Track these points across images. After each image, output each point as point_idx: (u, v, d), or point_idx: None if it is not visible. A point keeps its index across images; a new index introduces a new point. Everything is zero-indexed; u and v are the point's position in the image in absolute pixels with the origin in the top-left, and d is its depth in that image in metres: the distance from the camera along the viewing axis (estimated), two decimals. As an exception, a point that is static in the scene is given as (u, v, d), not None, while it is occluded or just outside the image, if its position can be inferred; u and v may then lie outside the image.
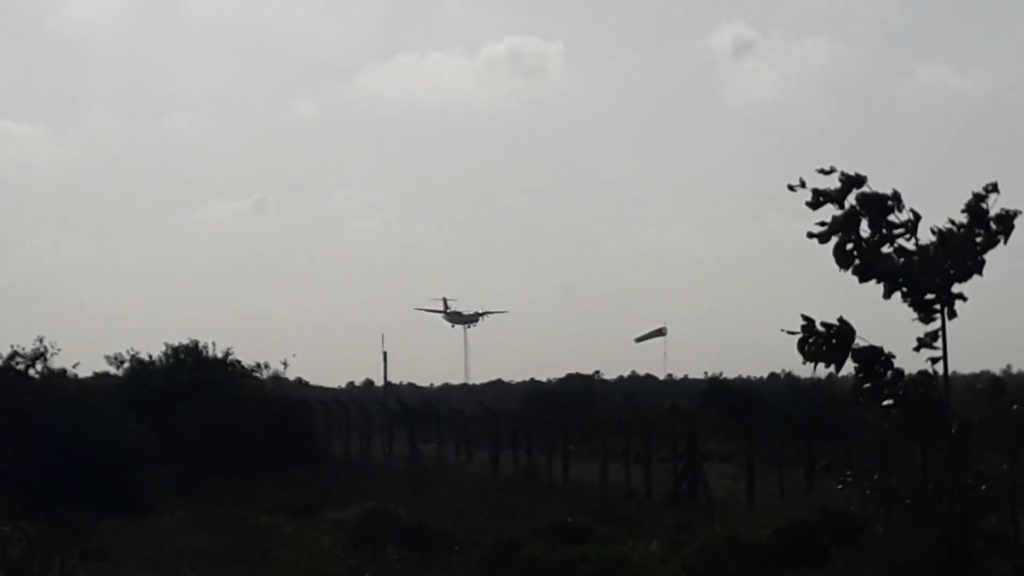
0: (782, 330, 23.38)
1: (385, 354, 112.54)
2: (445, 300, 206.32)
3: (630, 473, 45.87)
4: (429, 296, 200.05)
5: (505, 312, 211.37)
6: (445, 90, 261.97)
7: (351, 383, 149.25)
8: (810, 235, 22.85)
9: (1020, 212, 22.69)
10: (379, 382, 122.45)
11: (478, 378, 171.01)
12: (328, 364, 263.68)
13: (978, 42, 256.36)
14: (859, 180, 22.54)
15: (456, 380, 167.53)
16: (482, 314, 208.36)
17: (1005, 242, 22.61)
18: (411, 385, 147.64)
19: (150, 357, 61.73)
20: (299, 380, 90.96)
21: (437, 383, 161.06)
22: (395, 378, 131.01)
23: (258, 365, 62.95)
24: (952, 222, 22.95)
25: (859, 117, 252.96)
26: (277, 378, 65.95)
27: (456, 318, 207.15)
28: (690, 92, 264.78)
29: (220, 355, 61.63)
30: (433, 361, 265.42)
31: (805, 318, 22.93)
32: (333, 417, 70.03)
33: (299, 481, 46.99)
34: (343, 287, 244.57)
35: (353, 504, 37.23)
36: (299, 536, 33.11)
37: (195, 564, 29.33)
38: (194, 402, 54.56)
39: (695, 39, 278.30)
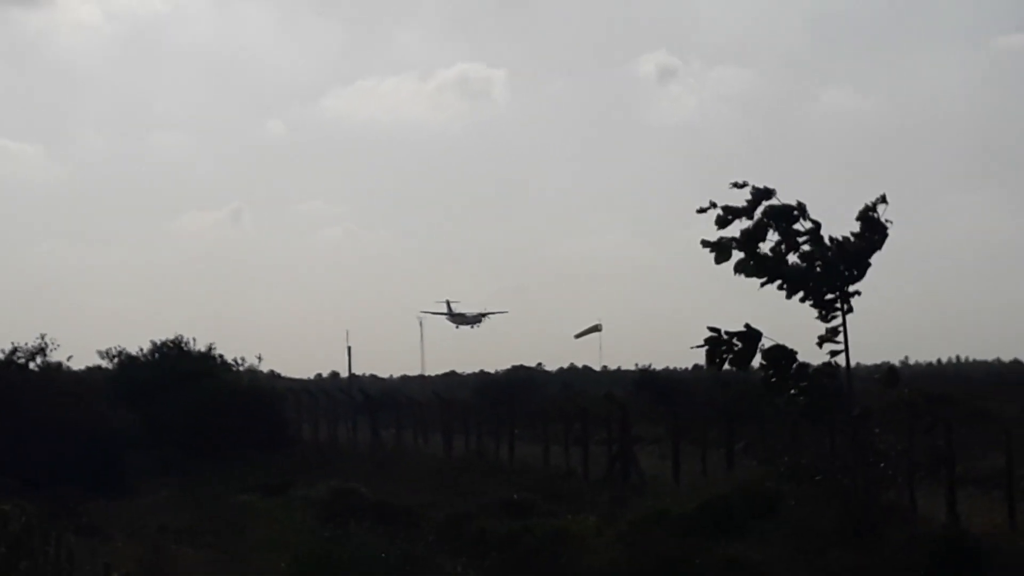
0: (691, 347, 23.57)
1: (349, 348, 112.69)
2: (448, 303, 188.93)
3: (569, 455, 45.97)
4: (433, 299, 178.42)
5: (506, 312, 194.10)
6: (401, 111, 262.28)
7: (319, 375, 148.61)
8: (704, 243, 23.07)
9: (892, 222, 22.95)
10: (344, 373, 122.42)
11: (433, 370, 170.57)
12: (298, 358, 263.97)
13: (874, 69, 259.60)
14: (768, 193, 22.76)
15: (413, 372, 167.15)
16: (485, 315, 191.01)
17: (880, 247, 22.87)
18: (373, 376, 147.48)
19: (141, 350, 61.68)
20: (272, 372, 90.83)
21: (396, 374, 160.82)
22: (358, 370, 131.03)
23: (235, 359, 62.98)
24: (824, 231, 23.17)
25: (769, 136, 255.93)
26: (252, 370, 65.80)
27: (460, 319, 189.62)
28: (620, 113, 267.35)
29: (202, 350, 61.63)
30: (393, 354, 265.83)
31: (712, 330, 23.10)
32: (303, 405, 69.93)
33: (272, 463, 46.85)
34: (311, 288, 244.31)
35: (321, 483, 37.23)
36: (272, 512, 33.09)
37: (178, 538, 29.31)
38: (177, 392, 54.41)
39: (624, 66, 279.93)
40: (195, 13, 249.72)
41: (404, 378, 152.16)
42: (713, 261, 23.08)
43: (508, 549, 25.25)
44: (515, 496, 33.21)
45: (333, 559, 23.94)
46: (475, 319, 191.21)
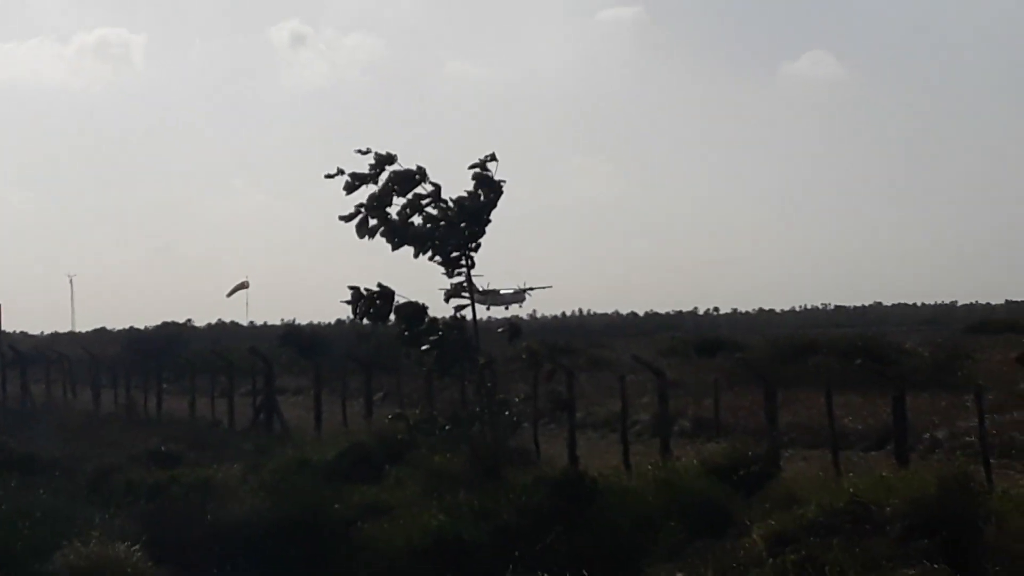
0: (341, 301, 23.73)
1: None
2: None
3: (215, 406, 45.68)
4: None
5: (550, 287, 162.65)
6: (41, 74, 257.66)
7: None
8: (341, 218, 23.12)
9: (505, 181, 23.42)
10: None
11: (84, 326, 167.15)
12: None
13: (493, 41, 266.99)
14: (391, 158, 22.86)
15: (64, 328, 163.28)
16: (526, 290, 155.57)
17: (496, 204, 23.29)
18: (23, 333, 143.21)
19: None
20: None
21: (47, 331, 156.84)
22: (8, 327, 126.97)
23: None
24: (451, 193, 23.44)
25: (399, 102, 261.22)
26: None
27: (493, 299, 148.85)
28: (256, 78, 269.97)
29: None
30: (44, 312, 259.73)
31: (352, 288, 23.29)
32: (-49, 362, 67.55)
33: (-80, 420, 45.02)
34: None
35: (-31, 439, 35.94)
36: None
37: None
38: None
39: (258, 32, 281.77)
40: None
41: (55, 335, 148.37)
42: (356, 235, 23.14)
43: (155, 499, 24.79)
44: (162, 447, 32.63)
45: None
46: (516, 297, 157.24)
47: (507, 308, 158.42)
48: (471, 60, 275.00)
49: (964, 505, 17.34)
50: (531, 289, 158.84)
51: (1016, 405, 32.59)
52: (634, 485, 22.18)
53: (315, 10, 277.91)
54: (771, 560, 17.40)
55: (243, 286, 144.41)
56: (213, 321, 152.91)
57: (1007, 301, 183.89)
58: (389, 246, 23.14)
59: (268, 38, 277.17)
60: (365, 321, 23.78)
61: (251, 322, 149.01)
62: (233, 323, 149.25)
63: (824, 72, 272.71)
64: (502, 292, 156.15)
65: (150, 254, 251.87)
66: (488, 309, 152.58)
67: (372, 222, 22.75)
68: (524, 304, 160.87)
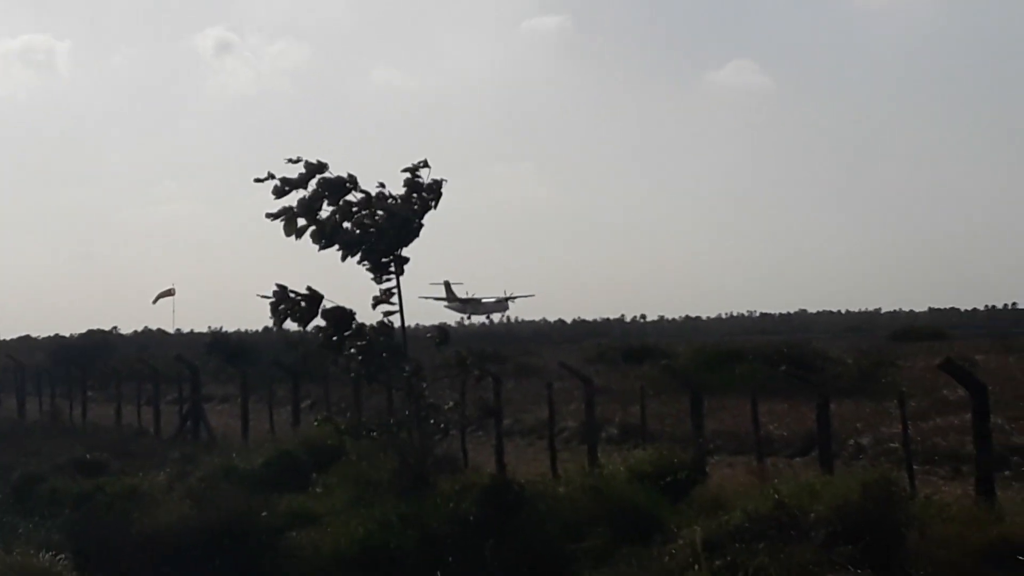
0: (258, 295, 23.43)
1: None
2: (448, 284, 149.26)
3: (141, 414, 45.44)
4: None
5: (533, 296, 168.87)
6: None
7: None
8: (268, 215, 22.99)
9: (445, 180, 23.41)
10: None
11: (8, 334, 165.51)
12: None
13: (418, 50, 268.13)
14: (321, 167, 22.79)
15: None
16: (509, 298, 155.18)
17: (435, 206, 23.25)
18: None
19: None
20: None
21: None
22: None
23: None
24: (388, 194, 23.33)
25: (326, 108, 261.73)
26: None
27: (475, 307, 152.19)
28: (182, 85, 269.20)
29: None
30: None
31: (278, 286, 23.11)
32: None
33: None
34: None
35: None
36: None
37: None
38: None
39: (183, 39, 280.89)
40: None
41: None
42: (283, 232, 23.04)
43: (81, 507, 24.59)
44: (88, 456, 32.39)
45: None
46: (498, 306, 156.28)
47: (488, 317, 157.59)
48: (397, 67, 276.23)
49: (887, 511, 17.46)
50: (513, 297, 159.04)
51: (939, 412, 32.91)
52: (562, 492, 22.19)
53: (241, 17, 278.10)
54: (697, 566, 17.48)
55: (169, 293, 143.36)
56: (139, 328, 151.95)
57: (930, 308, 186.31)
58: (316, 247, 22.99)
59: (194, 45, 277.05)
60: (291, 324, 23.56)
61: (178, 330, 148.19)
62: (160, 330, 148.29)
63: (749, 80, 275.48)
64: (484, 300, 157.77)
65: (76, 261, 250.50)
66: (469, 317, 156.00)
67: (301, 222, 22.61)
68: (506, 312, 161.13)
